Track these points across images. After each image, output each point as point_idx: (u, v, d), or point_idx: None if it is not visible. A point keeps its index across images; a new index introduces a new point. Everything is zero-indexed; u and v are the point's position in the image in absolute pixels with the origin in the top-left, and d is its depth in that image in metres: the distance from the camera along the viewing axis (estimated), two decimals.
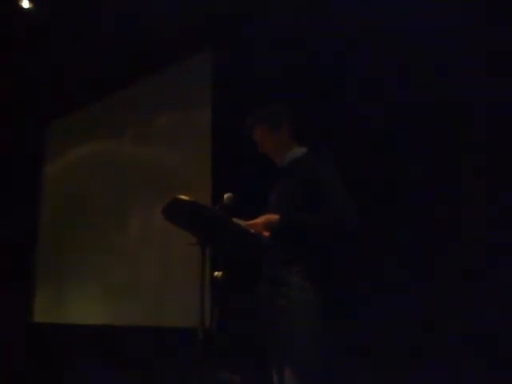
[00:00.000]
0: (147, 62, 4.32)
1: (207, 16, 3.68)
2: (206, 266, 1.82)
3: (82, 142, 5.21)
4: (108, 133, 4.97)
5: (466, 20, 2.57)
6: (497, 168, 2.46)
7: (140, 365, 3.92)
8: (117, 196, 4.68)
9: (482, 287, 2.39)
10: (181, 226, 1.91)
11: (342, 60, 2.98)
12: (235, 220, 1.85)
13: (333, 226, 1.84)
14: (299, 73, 3.18)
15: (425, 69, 2.71)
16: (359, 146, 2.90)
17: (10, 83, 4.99)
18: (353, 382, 2.55)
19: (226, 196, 1.97)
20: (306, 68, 3.15)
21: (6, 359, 4.87)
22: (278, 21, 3.34)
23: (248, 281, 2.11)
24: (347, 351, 2.60)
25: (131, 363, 4.02)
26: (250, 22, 3.46)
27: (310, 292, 1.84)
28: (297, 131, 2.17)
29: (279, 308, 1.84)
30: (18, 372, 4.85)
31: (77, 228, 5.01)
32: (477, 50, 2.53)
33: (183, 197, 1.73)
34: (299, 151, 2.12)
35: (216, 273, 1.96)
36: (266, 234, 1.86)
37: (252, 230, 1.85)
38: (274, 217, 1.88)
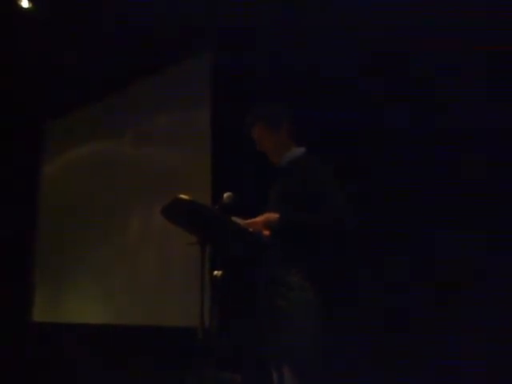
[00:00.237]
0: (147, 61, 4.32)
1: (207, 16, 3.68)
2: (205, 265, 1.82)
3: (82, 142, 5.21)
4: (107, 133, 4.96)
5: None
6: (497, 167, 2.46)
7: (139, 364, 3.92)
8: (116, 196, 4.68)
9: (482, 287, 2.39)
10: (180, 225, 1.91)
11: (342, 60, 2.97)
12: (234, 219, 1.85)
13: (333, 226, 1.84)
14: (299, 73, 3.18)
15: (425, 69, 2.71)
16: (359, 146, 2.90)
17: (10, 83, 5.00)
18: (352, 381, 2.55)
19: (225, 195, 1.98)
20: (306, 68, 3.15)
21: (5, 359, 4.87)
22: (278, 21, 3.34)
23: (247, 280, 2.11)
24: (347, 351, 2.60)
25: (130, 362, 4.01)
26: (249, 22, 3.46)
27: (309, 292, 1.84)
28: (296, 131, 2.17)
29: (279, 308, 1.84)
30: (17, 372, 4.86)
31: (76, 228, 5.01)
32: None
33: (183, 196, 1.74)
34: (298, 151, 2.12)
35: (215, 272, 1.96)
36: (266, 233, 1.86)
37: (251, 229, 1.85)
38: (273, 216, 1.88)
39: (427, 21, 2.70)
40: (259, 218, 1.89)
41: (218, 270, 1.97)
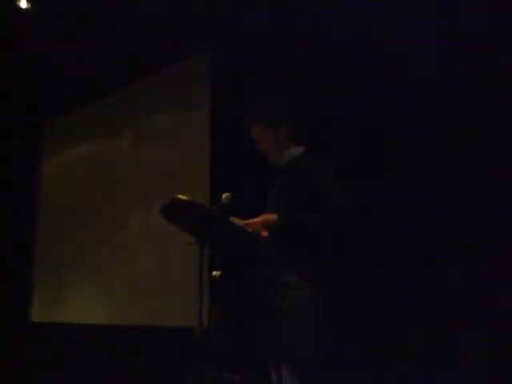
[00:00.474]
0: (147, 61, 4.32)
1: (207, 16, 3.68)
2: (204, 265, 1.82)
3: (82, 142, 5.21)
4: (107, 132, 4.96)
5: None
6: (497, 167, 2.45)
7: (139, 364, 3.92)
8: (115, 196, 4.68)
9: (482, 287, 2.39)
10: (179, 225, 1.91)
11: (342, 60, 2.97)
12: (233, 219, 1.84)
13: (333, 226, 1.84)
14: (299, 73, 3.17)
15: (424, 69, 2.71)
16: (359, 146, 2.90)
17: (10, 83, 5.00)
18: (352, 381, 2.55)
19: (224, 196, 1.98)
20: (306, 68, 3.15)
21: (5, 359, 4.87)
22: (278, 21, 3.34)
23: (246, 280, 2.11)
24: (346, 351, 2.60)
25: (130, 362, 4.01)
26: (249, 22, 3.46)
27: (308, 292, 1.83)
28: (296, 131, 2.17)
29: (277, 308, 1.84)
30: (16, 371, 4.86)
31: (76, 228, 5.01)
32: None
33: (181, 196, 1.74)
34: (297, 151, 2.12)
35: (214, 272, 1.96)
36: (265, 233, 1.85)
37: (250, 229, 1.85)
38: (272, 216, 1.88)
39: (427, 21, 2.70)
40: (258, 219, 1.89)
41: (216, 270, 1.97)
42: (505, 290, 2.33)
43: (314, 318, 1.83)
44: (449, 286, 2.49)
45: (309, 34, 3.18)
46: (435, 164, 2.65)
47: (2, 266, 5.40)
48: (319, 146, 2.20)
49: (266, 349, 1.92)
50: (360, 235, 2.02)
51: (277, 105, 2.18)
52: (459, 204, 2.54)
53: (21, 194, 5.63)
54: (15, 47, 4.47)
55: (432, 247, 2.57)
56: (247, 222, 1.88)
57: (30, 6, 3.87)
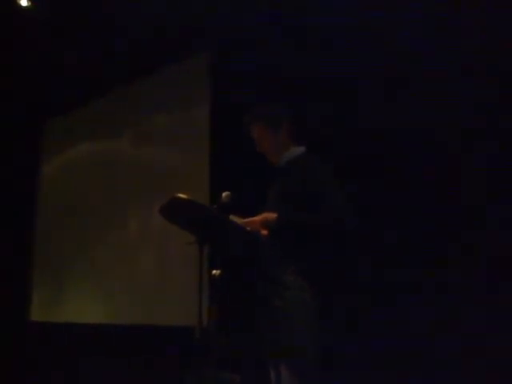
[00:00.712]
0: (147, 61, 4.32)
1: (207, 16, 3.68)
2: (204, 264, 1.82)
3: (81, 142, 5.21)
4: (107, 132, 4.96)
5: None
6: (497, 167, 2.45)
7: (138, 363, 3.92)
8: (115, 195, 4.68)
9: (482, 287, 2.39)
10: (179, 224, 1.91)
11: (343, 60, 2.97)
12: (233, 218, 1.84)
13: (333, 225, 1.84)
14: (299, 73, 3.17)
15: (424, 69, 2.71)
16: (359, 146, 2.90)
17: (10, 83, 5.00)
18: (351, 381, 2.55)
19: (224, 195, 1.98)
20: (306, 68, 3.15)
21: (4, 358, 4.87)
22: (278, 21, 3.34)
23: (246, 279, 2.11)
24: (346, 351, 2.60)
25: (129, 362, 4.01)
26: (249, 22, 3.46)
27: (307, 292, 1.83)
28: (296, 131, 2.17)
29: (276, 308, 1.84)
30: (16, 371, 4.85)
31: (75, 227, 5.01)
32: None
33: (181, 195, 1.74)
34: (297, 150, 2.12)
35: (214, 271, 1.96)
36: (264, 232, 1.85)
37: (249, 228, 1.85)
38: (271, 215, 1.88)
39: (427, 20, 2.70)
40: (257, 218, 1.89)
41: (216, 269, 1.97)
42: (505, 290, 2.33)
43: (314, 317, 1.83)
44: (449, 286, 2.49)
45: (309, 33, 3.18)
46: (435, 164, 2.65)
47: (1, 266, 5.40)
48: (319, 146, 2.20)
49: (265, 348, 1.92)
50: (360, 235, 2.02)
51: (277, 105, 2.18)
52: (459, 204, 2.54)
53: (21, 193, 5.62)
54: (15, 47, 4.47)
55: (432, 247, 2.57)
56: (247, 220, 1.88)
57: (30, 3, 3.86)
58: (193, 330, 1.78)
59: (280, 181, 2.07)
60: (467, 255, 2.46)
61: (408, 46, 2.75)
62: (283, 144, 2.12)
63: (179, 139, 4.24)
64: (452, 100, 2.61)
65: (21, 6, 3.90)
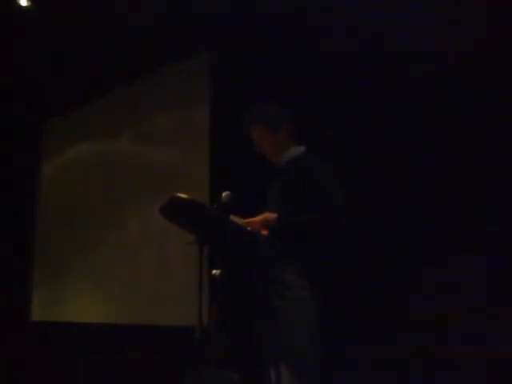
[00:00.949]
0: (147, 61, 4.32)
1: (207, 16, 3.68)
2: (204, 264, 1.82)
3: (82, 142, 5.21)
4: (107, 132, 4.96)
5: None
6: (497, 169, 2.45)
7: (138, 363, 3.92)
8: (115, 195, 4.68)
9: (482, 287, 2.39)
10: (179, 224, 1.91)
11: (343, 60, 2.97)
12: (233, 218, 1.84)
13: (333, 225, 1.84)
14: (299, 73, 3.17)
15: (424, 69, 2.71)
16: (359, 146, 2.90)
17: (10, 83, 5.00)
18: (351, 381, 2.55)
19: (224, 194, 1.98)
20: (306, 68, 3.15)
21: (4, 358, 4.87)
22: (278, 20, 3.34)
23: (246, 279, 2.11)
24: (346, 351, 2.60)
25: (129, 361, 4.02)
26: (249, 22, 3.46)
27: (306, 291, 1.83)
28: (296, 131, 2.17)
29: (276, 308, 1.84)
30: (16, 371, 4.85)
31: (75, 227, 5.01)
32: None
33: (181, 195, 1.74)
34: (297, 150, 2.11)
35: (214, 271, 1.96)
36: (264, 232, 1.86)
37: (249, 228, 1.85)
38: (271, 215, 1.88)
39: (427, 20, 2.70)
40: (257, 218, 1.89)
41: (216, 269, 1.97)
42: (505, 290, 2.33)
43: (314, 317, 1.83)
44: (449, 286, 2.49)
45: (309, 33, 3.18)
46: (435, 164, 2.65)
47: (2, 266, 5.40)
48: (319, 146, 2.20)
49: (265, 348, 1.92)
50: (360, 235, 2.02)
51: (277, 105, 2.18)
52: (459, 204, 2.54)
53: (21, 193, 5.63)
54: (15, 47, 4.47)
55: (432, 247, 2.57)
56: (247, 220, 1.88)
57: (30, 3, 3.86)
58: (193, 330, 1.78)
59: (280, 181, 2.07)
60: (467, 255, 2.46)
61: (408, 45, 2.75)
62: (283, 144, 2.12)
63: (179, 139, 4.23)
64: (452, 100, 2.61)
65: (21, 6, 3.89)
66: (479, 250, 2.43)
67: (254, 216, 1.91)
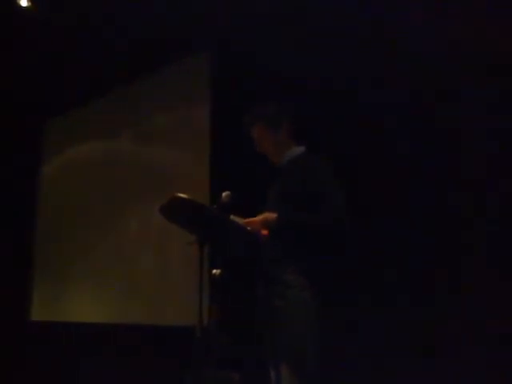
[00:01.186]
0: (147, 61, 4.32)
1: (207, 16, 3.68)
2: (204, 264, 1.82)
3: (82, 142, 5.21)
4: (107, 132, 4.96)
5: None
6: (497, 169, 2.46)
7: (138, 363, 3.92)
8: (115, 196, 4.68)
9: (482, 287, 2.39)
10: (179, 224, 1.91)
11: (343, 59, 2.97)
12: (233, 218, 1.84)
13: (333, 225, 1.84)
14: (299, 72, 3.18)
15: (424, 69, 2.71)
16: (359, 146, 2.90)
17: (10, 83, 5.00)
18: (351, 381, 2.55)
19: (224, 194, 1.98)
20: (306, 68, 3.15)
21: (4, 358, 4.87)
22: (278, 20, 3.34)
23: (246, 279, 2.11)
24: (346, 351, 2.60)
25: (129, 361, 4.01)
26: (250, 22, 3.46)
27: (308, 292, 1.83)
28: (296, 131, 2.17)
29: (276, 308, 1.84)
30: (16, 371, 4.85)
31: (76, 227, 5.01)
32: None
33: (181, 195, 1.74)
34: (298, 150, 2.12)
35: (214, 271, 1.96)
36: (264, 232, 1.86)
37: (249, 228, 1.85)
38: (271, 215, 1.88)
39: (427, 20, 2.70)
40: (258, 218, 1.89)
41: (216, 268, 1.97)
42: (504, 290, 2.33)
43: (314, 317, 1.83)
44: (448, 286, 2.50)
45: (309, 33, 3.18)
46: (435, 164, 2.65)
47: (1, 266, 5.40)
48: (319, 146, 2.20)
49: (265, 348, 1.93)
50: (360, 235, 2.02)
51: (277, 105, 2.18)
52: (459, 204, 2.54)
53: (21, 193, 5.62)
54: (15, 47, 4.47)
55: (432, 247, 2.57)
56: (247, 220, 1.88)
57: (30, 3, 3.86)
58: (193, 330, 1.78)
59: (280, 181, 2.07)
60: (467, 255, 2.46)
61: (408, 45, 2.75)
62: (284, 144, 2.12)
63: (179, 139, 4.24)
64: (452, 100, 2.61)
65: (21, 6, 3.89)
66: (479, 249, 2.43)
67: (254, 216, 1.91)
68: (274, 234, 1.86)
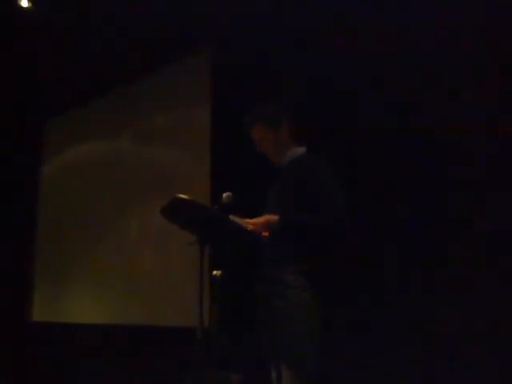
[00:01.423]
0: (147, 61, 4.32)
1: (207, 15, 3.68)
2: (204, 265, 1.82)
3: (82, 142, 5.21)
4: (107, 132, 4.97)
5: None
6: (497, 169, 2.46)
7: (138, 363, 3.92)
8: (115, 195, 4.69)
9: (482, 287, 2.39)
10: (180, 224, 1.91)
11: (343, 60, 2.97)
12: (233, 218, 1.84)
13: (333, 225, 1.84)
14: (299, 72, 3.18)
15: (424, 69, 2.71)
16: (359, 146, 2.90)
17: (10, 83, 5.00)
18: (351, 381, 2.55)
19: (224, 195, 1.97)
20: (306, 68, 3.15)
21: (5, 358, 4.87)
22: (278, 20, 3.34)
23: (246, 279, 2.11)
24: (346, 351, 2.60)
25: (129, 361, 4.02)
26: (250, 22, 3.46)
27: (307, 291, 1.84)
28: (296, 131, 2.17)
29: (277, 308, 1.84)
30: (16, 371, 4.86)
31: (76, 227, 5.01)
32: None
33: (182, 196, 1.74)
34: (298, 151, 2.12)
35: (215, 272, 1.96)
36: (265, 234, 1.86)
37: (250, 227, 1.85)
38: (273, 217, 1.88)
39: (427, 20, 2.70)
40: (259, 220, 1.88)
41: (217, 269, 1.97)
42: (504, 290, 2.33)
43: (314, 317, 1.83)
44: (448, 286, 2.50)
45: (309, 33, 3.18)
46: (435, 164, 2.65)
47: (1, 266, 5.40)
48: (319, 146, 2.20)
49: (265, 348, 1.93)
50: (360, 235, 2.02)
51: (277, 105, 2.18)
52: (459, 204, 2.54)
53: (21, 193, 5.63)
54: (15, 47, 4.47)
55: (432, 247, 2.57)
56: (249, 221, 1.88)
57: (30, 4, 3.86)
58: (193, 331, 1.78)
59: (280, 181, 2.07)
60: (467, 255, 2.46)
61: (408, 45, 2.75)
62: (284, 144, 2.12)
63: (179, 139, 4.24)
64: (452, 100, 2.61)
65: (21, 6, 3.89)
66: (479, 249, 2.44)
67: (254, 216, 1.91)
68: (274, 234, 1.86)
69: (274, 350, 1.88)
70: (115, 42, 4.19)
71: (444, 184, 2.61)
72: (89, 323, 4.58)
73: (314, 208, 1.86)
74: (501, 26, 2.47)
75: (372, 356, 2.60)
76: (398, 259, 2.65)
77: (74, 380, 4.46)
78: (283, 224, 1.86)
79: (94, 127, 5.09)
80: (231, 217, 1.83)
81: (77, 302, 4.85)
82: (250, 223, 1.87)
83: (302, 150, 2.13)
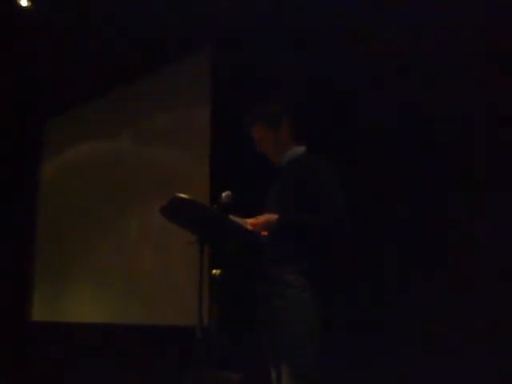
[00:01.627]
0: (147, 61, 4.32)
1: (207, 15, 3.69)
2: (204, 264, 1.82)
3: (82, 142, 5.22)
4: (107, 132, 4.97)
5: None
6: (497, 169, 2.46)
7: (138, 363, 3.92)
8: (115, 196, 4.69)
9: (482, 287, 2.39)
10: (179, 224, 1.91)
11: (343, 59, 2.97)
12: (232, 217, 1.84)
13: (333, 225, 1.84)
14: (299, 72, 3.18)
15: (424, 69, 2.71)
16: (359, 146, 2.90)
17: (10, 83, 5.00)
18: (351, 381, 2.55)
19: (224, 194, 1.97)
20: (306, 68, 3.15)
21: (5, 358, 4.87)
22: (278, 20, 3.34)
23: (246, 279, 2.11)
24: (346, 351, 2.60)
25: (129, 361, 4.02)
26: (250, 22, 3.46)
27: (306, 291, 1.83)
28: (296, 131, 2.17)
29: (277, 308, 1.84)
30: (16, 371, 4.85)
31: (76, 227, 5.01)
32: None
33: (182, 195, 1.74)
34: (298, 151, 2.11)
35: (214, 271, 1.96)
36: (265, 233, 1.86)
37: (249, 227, 1.85)
38: (273, 217, 1.88)
39: (427, 20, 2.70)
40: (259, 220, 1.88)
41: (216, 268, 1.97)
42: (504, 290, 2.33)
43: (314, 317, 1.83)
44: (448, 287, 2.50)
45: (309, 33, 3.18)
46: (435, 164, 2.65)
47: (2, 265, 5.40)
48: (319, 146, 2.20)
49: (265, 348, 1.93)
50: (360, 235, 2.02)
51: (277, 105, 2.18)
52: (459, 204, 2.54)
53: (21, 193, 5.63)
54: (15, 47, 4.47)
55: (432, 247, 2.57)
56: (247, 221, 1.88)
57: (30, 3, 3.87)
58: (193, 330, 1.78)
59: (280, 181, 2.07)
60: (466, 255, 2.46)
61: (408, 45, 2.75)
62: (284, 144, 2.12)
63: (179, 139, 4.24)
64: (452, 100, 2.61)
65: (21, 6, 3.90)
66: (479, 249, 2.44)
67: (254, 216, 1.91)
68: (274, 233, 1.86)
69: (274, 350, 1.88)
70: (115, 42, 4.19)
71: (444, 184, 2.61)
72: (89, 323, 4.58)
73: (314, 208, 1.86)
74: (501, 25, 2.47)
75: (372, 356, 2.60)
76: (397, 259, 2.65)
77: (73, 380, 4.45)
78: (283, 224, 1.86)
79: (94, 127, 5.09)
80: (231, 216, 1.83)
81: (77, 302, 4.85)
82: (249, 223, 1.87)
83: (301, 149, 2.12)
